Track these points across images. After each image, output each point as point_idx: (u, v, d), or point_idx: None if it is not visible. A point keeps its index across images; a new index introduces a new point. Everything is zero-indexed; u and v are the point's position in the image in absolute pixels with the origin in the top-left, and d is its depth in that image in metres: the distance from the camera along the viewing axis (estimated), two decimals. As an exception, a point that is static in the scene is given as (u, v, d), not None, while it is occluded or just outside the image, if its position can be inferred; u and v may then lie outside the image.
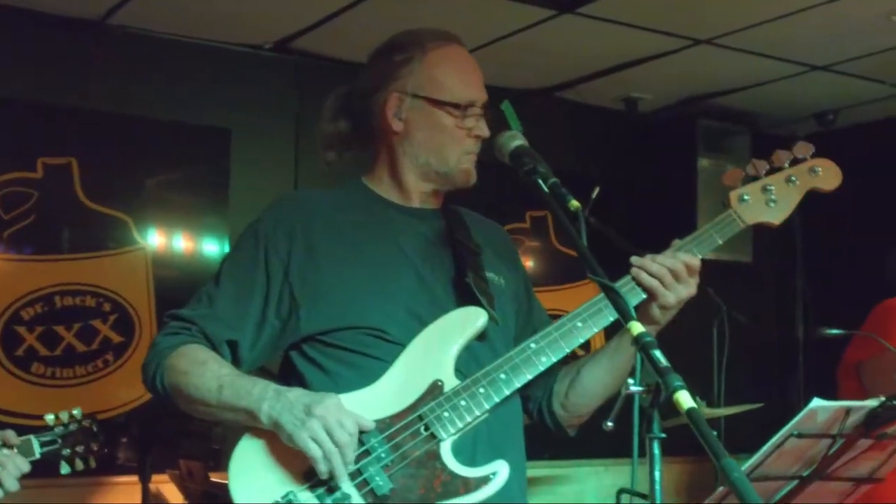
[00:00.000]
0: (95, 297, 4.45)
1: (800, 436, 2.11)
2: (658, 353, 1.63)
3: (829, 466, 2.28)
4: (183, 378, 2.09)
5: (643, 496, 1.59)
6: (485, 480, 2.02)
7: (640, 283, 2.13)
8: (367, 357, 2.11)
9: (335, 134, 2.34)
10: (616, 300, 1.82)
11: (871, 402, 2.18)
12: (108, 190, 4.53)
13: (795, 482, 2.30)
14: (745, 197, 2.24)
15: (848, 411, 2.14)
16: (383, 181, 2.29)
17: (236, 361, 2.16)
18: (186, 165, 4.73)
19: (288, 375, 2.19)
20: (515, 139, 2.20)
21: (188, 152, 4.74)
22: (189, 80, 4.73)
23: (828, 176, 2.32)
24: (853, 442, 2.23)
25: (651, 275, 2.13)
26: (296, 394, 2.00)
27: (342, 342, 2.12)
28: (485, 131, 2.25)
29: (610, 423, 1.73)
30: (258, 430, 2.03)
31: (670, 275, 2.14)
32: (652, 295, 2.14)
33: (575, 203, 2.05)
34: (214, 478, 3.82)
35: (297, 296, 2.14)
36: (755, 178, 2.28)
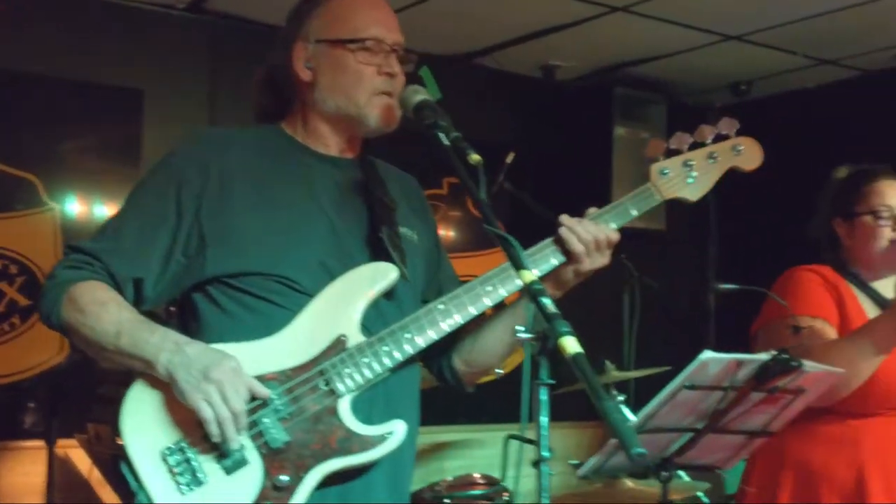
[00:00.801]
0: (1, 259, 4.36)
1: (692, 387, 2.14)
2: (547, 301, 1.65)
3: (721, 419, 2.31)
4: (80, 317, 2.03)
5: (530, 441, 1.61)
6: (381, 439, 2.00)
7: (567, 245, 2.12)
8: (273, 305, 2.07)
9: (264, 107, 2.30)
10: (509, 250, 1.82)
11: (763, 356, 2.22)
12: (16, 151, 4.43)
13: (690, 434, 2.34)
14: (666, 171, 2.23)
15: (739, 364, 2.17)
16: (297, 130, 2.24)
17: (139, 299, 2.11)
18: (97, 126, 4.65)
19: (186, 315, 2.14)
20: (419, 94, 2.18)
21: (99, 113, 4.66)
22: (100, 39, 4.65)
23: (750, 155, 2.33)
24: (745, 395, 2.27)
25: (580, 240, 2.12)
26: (195, 350, 1.96)
27: (248, 287, 2.08)
28: (395, 68, 2.20)
29: (500, 371, 1.75)
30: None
31: (594, 243, 2.13)
32: (573, 259, 2.14)
33: (476, 157, 2.04)
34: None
35: (206, 235, 2.09)
36: (677, 152, 2.27)
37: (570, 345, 1.54)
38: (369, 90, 2.18)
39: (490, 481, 4.16)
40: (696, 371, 2.14)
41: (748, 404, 2.33)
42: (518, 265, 1.76)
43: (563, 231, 2.12)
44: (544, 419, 1.60)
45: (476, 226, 5.68)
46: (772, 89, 6.05)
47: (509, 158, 4.60)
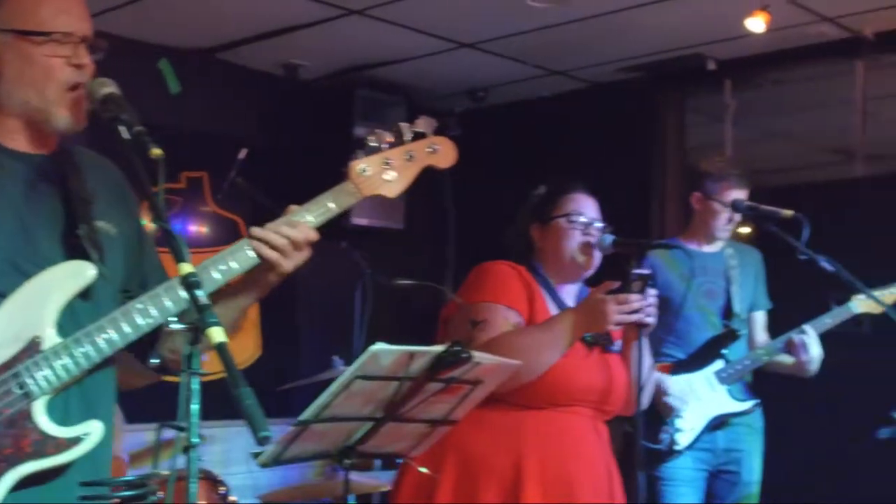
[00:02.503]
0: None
1: (365, 378, 2.25)
2: (200, 293, 1.70)
3: (400, 408, 2.43)
4: None
5: (181, 428, 1.66)
6: (76, 441, 1.98)
7: (261, 256, 2.13)
8: None
9: None
10: (171, 243, 1.85)
11: (436, 348, 2.34)
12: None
13: (370, 423, 2.45)
14: (365, 170, 2.30)
15: (412, 355, 2.29)
16: None
17: None
18: None
19: None
20: (106, 86, 2.15)
21: None
22: None
23: (444, 154, 2.42)
24: (422, 385, 2.40)
25: (272, 247, 2.13)
26: None
27: None
28: (84, 59, 2.14)
29: (155, 361, 1.79)
30: None
31: (290, 245, 2.15)
32: (272, 266, 2.15)
33: (157, 151, 2.03)
34: None
35: None
36: (377, 149, 2.34)
37: (216, 334, 1.60)
38: (59, 84, 2.13)
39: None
40: (367, 362, 2.24)
41: (426, 394, 2.45)
42: (178, 257, 1.80)
43: (253, 243, 2.13)
44: (195, 407, 1.66)
45: (215, 221, 5.67)
46: (508, 97, 6.30)
47: (242, 154, 4.63)
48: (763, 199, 4.06)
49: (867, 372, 4.48)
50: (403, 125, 2.36)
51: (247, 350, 5.87)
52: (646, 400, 3.06)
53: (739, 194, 4.07)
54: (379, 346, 2.21)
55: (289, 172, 5.72)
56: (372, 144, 2.31)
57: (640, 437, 2.94)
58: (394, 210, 5.90)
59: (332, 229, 6.19)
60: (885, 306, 3.87)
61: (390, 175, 2.33)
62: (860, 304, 3.99)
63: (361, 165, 2.29)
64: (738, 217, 4.12)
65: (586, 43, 5.39)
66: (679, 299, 4.08)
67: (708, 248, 4.21)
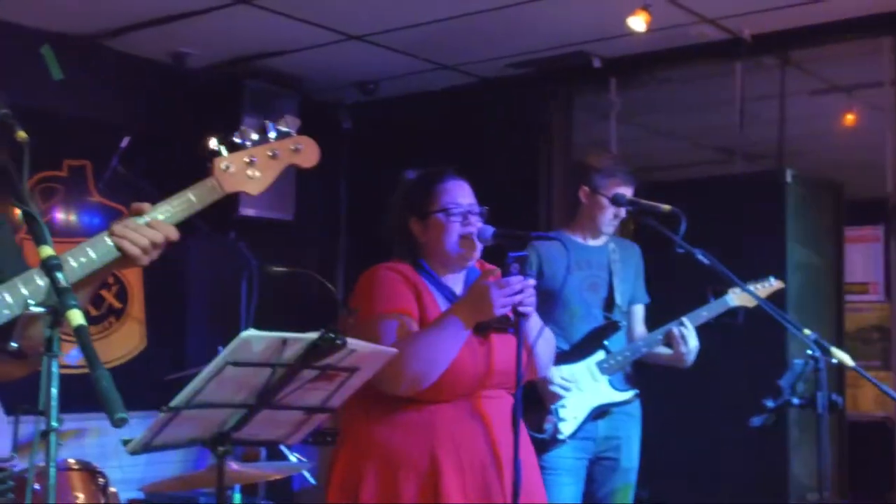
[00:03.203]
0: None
1: (236, 364, 2.24)
2: (60, 275, 1.69)
3: (275, 395, 2.43)
4: None
5: (40, 413, 1.65)
6: None
7: (122, 250, 2.12)
8: None
9: None
10: (32, 226, 1.83)
11: (311, 335, 2.34)
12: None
13: (244, 411, 2.44)
14: (229, 167, 2.30)
15: (285, 342, 2.29)
16: None
17: None
18: None
19: None
20: None
21: None
22: None
23: (307, 154, 2.43)
24: (296, 372, 2.40)
25: (133, 244, 2.14)
26: None
27: None
28: None
29: (14, 345, 1.76)
30: None
31: (150, 245, 2.17)
32: (131, 261, 2.16)
33: (22, 134, 2.02)
34: None
35: None
36: (241, 146, 2.34)
37: (75, 317, 1.59)
38: None
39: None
40: (239, 348, 2.23)
41: (302, 381, 2.45)
42: (39, 241, 1.78)
43: (114, 239, 2.13)
44: (54, 390, 1.64)
45: (101, 211, 5.57)
46: (398, 90, 6.32)
47: (124, 143, 4.57)
48: (645, 195, 4.14)
49: (742, 362, 4.61)
50: (268, 123, 2.37)
51: (131, 342, 5.79)
52: (543, 370, 3.17)
53: (626, 191, 4.15)
54: (250, 333, 2.21)
55: (174, 162, 5.64)
56: (236, 141, 2.31)
57: (520, 416, 2.95)
58: (283, 201, 5.88)
59: (221, 220, 6.14)
60: (758, 299, 3.99)
61: (253, 172, 2.33)
62: (735, 297, 4.10)
63: (225, 162, 2.29)
64: (623, 213, 4.20)
65: (475, 38, 5.44)
66: (563, 291, 4.14)
67: (592, 242, 4.27)
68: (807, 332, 3.77)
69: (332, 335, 2.35)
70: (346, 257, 6.73)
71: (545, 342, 3.15)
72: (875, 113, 5.59)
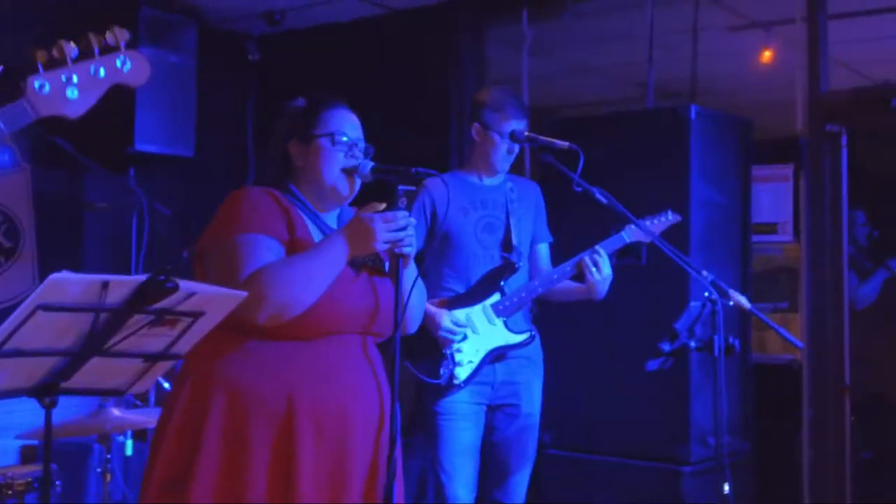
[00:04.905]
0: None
1: (48, 308, 2.04)
2: None
3: (103, 341, 2.24)
4: None
5: None
6: None
7: None
8: None
9: None
10: None
11: (137, 277, 2.16)
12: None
13: (69, 358, 2.25)
14: (44, 86, 2.12)
15: (106, 285, 2.10)
16: None
17: None
18: None
19: None
20: None
21: None
22: None
23: (136, 71, 2.26)
24: (125, 317, 2.21)
25: None
26: None
27: None
28: None
29: None
30: None
31: None
32: None
33: None
34: None
35: None
36: (61, 63, 2.16)
37: None
38: None
39: None
40: (48, 291, 2.03)
41: (135, 327, 2.27)
42: None
43: None
44: None
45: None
46: (306, 21, 6.09)
47: (-3, 72, 4.30)
48: (550, 132, 4.00)
49: (643, 303, 4.51)
50: (93, 36, 2.19)
51: (23, 283, 5.56)
52: (412, 326, 2.98)
53: (518, 125, 3.99)
54: (61, 275, 2.01)
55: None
56: (54, 57, 2.12)
57: (398, 365, 2.78)
58: (183, 137, 5.64)
59: (117, 156, 5.87)
60: (653, 236, 3.88)
61: (72, 93, 2.14)
62: (631, 233, 3.98)
63: (39, 81, 2.10)
64: (517, 148, 4.05)
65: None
66: (458, 232, 4.00)
67: (488, 181, 4.13)
68: (704, 273, 3.67)
69: (161, 278, 2.17)
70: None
71: (419, 294, 2.96)
72: (791, 50, 5.46)
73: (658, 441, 4.52)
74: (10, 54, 5.01)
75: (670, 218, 4.04)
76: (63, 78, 2.14)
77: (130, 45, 5.83)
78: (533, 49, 5.77)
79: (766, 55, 5.90)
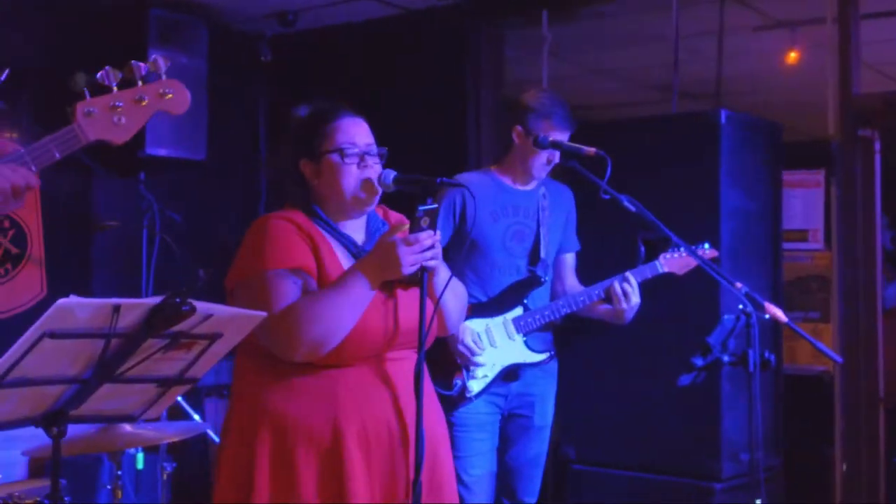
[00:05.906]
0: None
1: (54, 336, 1.90)
2: None
3: (115, 368, 2.11)
4: None
5: None
6: None
7: None
8: None
9: None
10: None
11: (151, 300, 2.03)
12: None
13: (79, 386, 2.11)
14: (92, 112, 2.16)
15: (117, 308, 1.96)
16: None
17: None
18: None
19: None
20: None
21: None
22: None
23: (177, 100, 2.31)
24: (138, 342, 2.08)
25: None
26: None
27: None
28: None
29: None
30: None
31: (11, 191, 2.10)
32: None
33: None
34: None
35: None
36: (105, 90, 2.20)
37: None
38: None
39: None
40: (56, 317, 1.89)
41: (148, 351, 2.14)
42: None
43: None
44: None
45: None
46: (319, 22, 5.96)
47: (2, 76, 4.20)
48: (575, 137, 3.86)
49: (674, 316, 4.35)
50: (136, 64, 2.22)
51: (31, 289, 5.44)
52: (453, 326, 2.91)
53: (562, 136, 3.85)
54: (68, 300, 1.88)
55: (70, 98, 5.25)
56: (101, 82, 2.17)
57: (422, 379, 2.67)
58: (194, 140, 5.49)
59: (127, 160, 5.75)
60: (693, 255, 3.76)
61: (119, 118, 2.18)
62: (664, 264, 3.98)
63: (88, 107, 2.14)
64: (557, 158, 3.90)
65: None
66: (486, 238, 3.87)
67: (522, 187, 4.00)
68: (738, 285, 3.52)
69: (176, 300, 2.03)
70: (268, 197, 6.37)
71: (454, 296, 2.86)
72: (818, 51, 5.32)
73: (689, 457, 4.37)
74: (19, 56, 4.93)
75: (707, 251, 3.97)
76: (110, 104, 2.18)
77: (139, 45, 5.72)
78: (551, 50, 5.64)
79: (792, 56, 5.74)
